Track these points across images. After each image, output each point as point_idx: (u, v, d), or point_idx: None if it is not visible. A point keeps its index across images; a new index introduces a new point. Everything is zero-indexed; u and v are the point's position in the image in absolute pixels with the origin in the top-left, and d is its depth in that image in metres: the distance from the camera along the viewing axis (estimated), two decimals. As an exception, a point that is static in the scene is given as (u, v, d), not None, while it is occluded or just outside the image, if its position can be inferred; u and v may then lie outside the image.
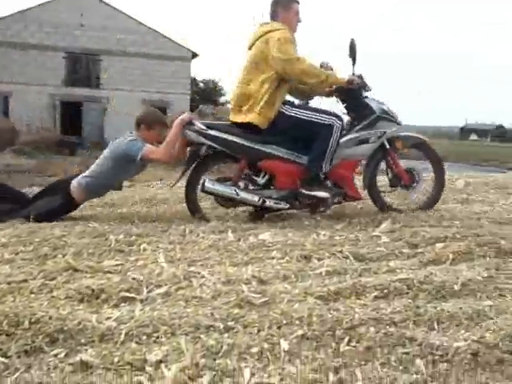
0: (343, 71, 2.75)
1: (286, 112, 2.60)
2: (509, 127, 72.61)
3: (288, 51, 2.44)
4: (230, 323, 1.32)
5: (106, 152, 2.71)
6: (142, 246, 2.07)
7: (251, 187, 2.67)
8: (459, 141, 52.59)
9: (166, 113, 17.18)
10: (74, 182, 2.66)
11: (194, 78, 28.10)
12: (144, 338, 1.23)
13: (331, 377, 1.08)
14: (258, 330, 1.29)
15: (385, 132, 2.72)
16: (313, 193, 2.56)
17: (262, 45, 2.50)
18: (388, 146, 2.77)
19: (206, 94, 30.09)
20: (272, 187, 2.67)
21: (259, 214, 2.75)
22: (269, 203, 2.58)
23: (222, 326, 1.30)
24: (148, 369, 1.08)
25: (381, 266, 1.86)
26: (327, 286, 1.63)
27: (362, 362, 1.16)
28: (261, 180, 2.68)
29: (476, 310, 1.44)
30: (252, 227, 2.45)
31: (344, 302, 1.51)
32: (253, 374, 1.07)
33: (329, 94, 2.83)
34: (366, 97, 2.73)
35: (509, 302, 1.49)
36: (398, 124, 2.79)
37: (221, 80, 33.75)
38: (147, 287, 1.58)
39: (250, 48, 2.67)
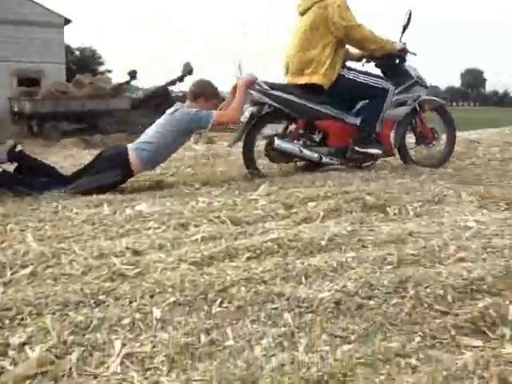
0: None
1: (346, 75, 2.83)
2: None
3: (349, 17, 2.63)
4: (100, 297, 1.32)
5: (166, 124, 2.68)
6: (8, 227, 1.99)
7: (308, 144, 2.93)
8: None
9: (40, 84, 16.02)
10: (133, 155, 2.60)
11: (69, 46, 25.33)
12: (7, 321, 1.20)
13: (203, 338, 1.12)
14: (130, 302, 1.29)
15: (419, 96, 3.06)
16: (368, 150, 2.85)
17: (321, 10, 2.61)
18: (418, 109, 3.12)
19: (82, 63, 27.70)
20: (325, 145, 2.93)
21: (313, 169, 2.99)
22: (324, 159, 2.87)
23: (92, 301, 1.29)
24: (11, 353, 1.06)
25: (256, 229, 1.94)
26: (201, 252, 1.65)
27: (234, 322, 1.21)
28: (316, 138, 2.93)
29: (340, 261, 1.59)
30: (129, 199, 2.42)
31: (217, 266, 1.54)
32: (124, 345, 1.08)
33: (359, 59, 3.13)
34: (405, 63, 3.04)
35: (370, 253, 1.69)
36: (427, 88, 3.20)
37: (99, 48, 30.90)
38: (11, 268, 1.53)
39: (302, 14, 2.80)
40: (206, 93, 2.75)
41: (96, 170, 2.61)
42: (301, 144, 2.91)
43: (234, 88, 2.79)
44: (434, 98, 3.48)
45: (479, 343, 1.19)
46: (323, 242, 1.75)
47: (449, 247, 1.74)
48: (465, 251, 1.70)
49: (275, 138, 2.82)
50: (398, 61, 3.05)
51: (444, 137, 3.45)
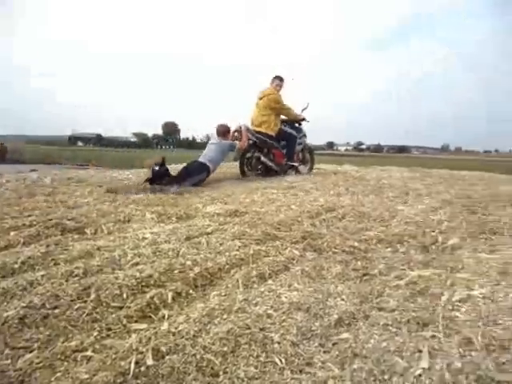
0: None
1: (283, 128, 6.96)
2: (105, 135, 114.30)
3: (282, 103, 6.82)
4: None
5: (215, 149, 6.00)
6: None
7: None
8: (68, 147, 66.73)
9: None
10: (210, 165, 5.78)
11: None
12: None
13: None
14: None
15: (305, 140, 7.62)
16: (293, 163, 7.13)
17: (269, 99, 6.74)
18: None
19: None
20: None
21: (266, 174, 6.80)
22: (276, 168, 6.77)
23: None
24: None
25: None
26: None
27: None
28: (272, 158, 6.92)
29: (30, 280, 1.88)
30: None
31: None
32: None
33: (285, 121, 7.21)
34: (302, 124, 7.45)
35: (60, 269, 2.06)
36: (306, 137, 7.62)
37: None
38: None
39: (260, 99, 6.88)
40: (227, 132, 6.32)
41: (189, 174, 5.50)
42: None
43: (237, 130, 6.51)
44: (308, 142, 7.80)
45: (144, 326, 1.81)
46: (16, 265, 1.97)
47: (127, 255, 2.37)
48: (138, 257, 2.39)
49: (261, 156, 6.77)
50: (300, 123, 7.47)
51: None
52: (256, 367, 1.60)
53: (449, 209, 4.08)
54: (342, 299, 2.16)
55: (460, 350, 1.68)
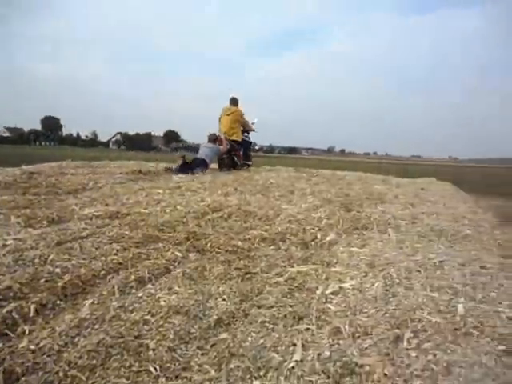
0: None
1: (244, 137, 9.26)
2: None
3: (244, 119, 9.22)
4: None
5: (207, 151, 8.16)
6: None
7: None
8: None
9: None
10: (207, 160, 8.09)
11: None
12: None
13: None
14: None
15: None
16: (247, 162, 9.41)
17: (236, 115, 8.95)
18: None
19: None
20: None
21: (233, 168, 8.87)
22: (239, 164, 9.10)
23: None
24: None
25: None
26: None
27: None
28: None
29: None
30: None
31: None
32: None
33: (244, 131, 9.40)
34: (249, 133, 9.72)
35: None
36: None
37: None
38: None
39: (228, 115, 8.95)
40: (215, 139, 8.46)
41: (195, 164, 7.77)
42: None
43: (218, 137, 8.55)
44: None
45: None
46: None
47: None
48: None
49: (235, 157, 8.93)
50: (249, 132, 9.55)
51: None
52: (128, 378, 1.55)
53: (328, 207, 4.42)
54: (223, 299, 2.20)
55: (330, 339, 1.82)
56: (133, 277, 2.35)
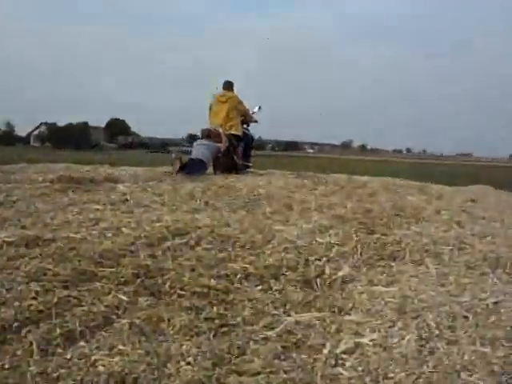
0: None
1: (245, 131, 10.32)
2: None
3: (244, 106, 10.14)
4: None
5: (203, 149, 8.98)
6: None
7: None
8: None
9: None
10: (206, 161, 8.92)
11: None
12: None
13: None
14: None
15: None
16: (249, 164, 10.64)
17: (233, 102, 9.77)
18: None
19: None
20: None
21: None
22: (239, 164, 10.11)
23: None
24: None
25: None
26: None
27: None
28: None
29: None
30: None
31: None
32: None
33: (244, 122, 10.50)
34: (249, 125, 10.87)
35: None
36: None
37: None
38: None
39: (223, 102, 9.78)
40: (209, 134, 9.32)
41: (192, 167, 8.65)
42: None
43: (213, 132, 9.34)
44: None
45: None
46: None
47: None
48: None
49: (234, 156, 9.81)
50: (249, 125, 10.70)
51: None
52: None
53: (342, 228, 4.45)
54: (188, 363, 2.19)
55: (342, 419, 1.83)
56: (58, 330, 2.33)
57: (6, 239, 3.53)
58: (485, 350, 2.23)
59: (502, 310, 2.72)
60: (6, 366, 2.04)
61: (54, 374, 2.00)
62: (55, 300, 2.61)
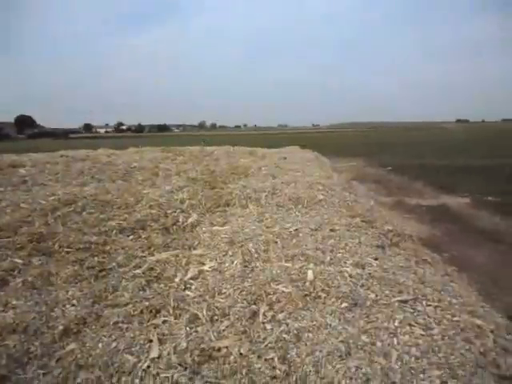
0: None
1: None
2: None
3: None
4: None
5: None
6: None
7: None
8: None
9: None
10: None
11: None
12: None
13: None
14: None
15: None
16: None
17: None
18: None
19: None
20: None
21: None
22: None
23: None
24: None
25: None
26: None
27: None
28: None
29: None
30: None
31: None
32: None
33: None
34: None
35: None
36: None
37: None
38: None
39: None
40: None
41: None
42: None
43: None
44: None
45: None
46: None
47: None
48: None
49: None
50: None
51: None
52: None
53: (192, 186, 4.35)
54: (73, 304, 2.00)
55: (187, 328, 1.77)
56: (-44, 296, 1.99)
57: None
58: (287, 264, 2.30)
59: (300, 235, 2.83)
60: None
61: (-51, 336, 1.71)
62: (-46, 270, 2.23)
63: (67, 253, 2.61)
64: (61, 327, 1.80)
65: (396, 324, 1.74)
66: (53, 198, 3.81)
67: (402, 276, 2.23)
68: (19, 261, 2.44)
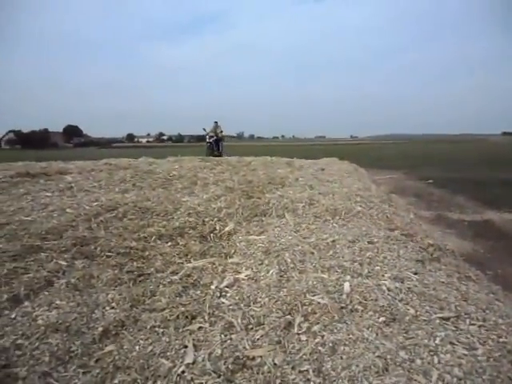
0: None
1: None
2: None
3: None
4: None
5: None
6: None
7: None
8: None
9: None
10: None
11: None
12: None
13: None
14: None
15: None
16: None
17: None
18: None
19: None
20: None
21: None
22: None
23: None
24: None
25: None
26: None
27: None
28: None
29: None
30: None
31: None
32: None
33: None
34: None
35: None
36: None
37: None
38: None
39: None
40: None
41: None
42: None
43: None
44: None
45: None
46: None
47: None
48: None
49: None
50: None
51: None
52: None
53: (229, 195, 4.38)
54: (112, 307, 2.06)
55: (222, 336, 1.78)
56: (5, 296, 2.09)
57: (-35, 226, 3.14)
58: (323, 275, 2.27)
59: (337, 246, 2.79)
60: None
61: (0, 333, 1.79)
62: (4, 271, 2.34)
63: (108, 257, 2.68)
64: (100, 329, 1.86)
65: (437, 342, 1.68)
66: (96, 203, 3.95)
67: (444, 292, 2.14)
68: (63, 263, 2.54)
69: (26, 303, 2.06)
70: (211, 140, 15.27)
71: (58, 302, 2.07)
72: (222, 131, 15.75)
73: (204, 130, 15.72)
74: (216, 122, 15.75)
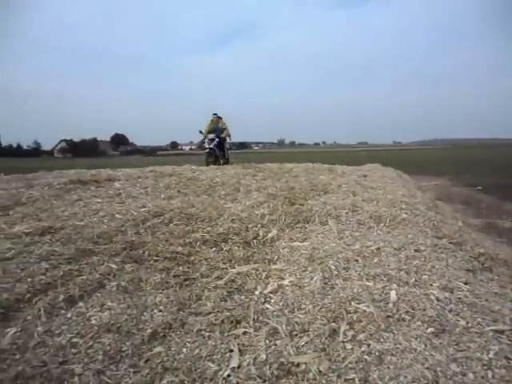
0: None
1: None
2: None
3: (227, 126, 11.55)
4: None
5: None
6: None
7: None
8: None
9: None
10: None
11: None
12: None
13: None
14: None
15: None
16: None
17: (221, 123, 11.35)
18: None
19: None
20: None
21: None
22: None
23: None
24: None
25: None
26: None
27: None
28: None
29: None
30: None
31: None
32: None
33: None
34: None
35: None
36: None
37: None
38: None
39: (215, 124, 11.33)
40: None
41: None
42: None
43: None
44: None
45: None
46: None
47: None
48: None
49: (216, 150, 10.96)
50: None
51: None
52: (49, 411, 1.44)
53: (272, 202, 4.41)
54: (160, 310, 2.12)
55: (267, 341, 1.79)
56: (62, 296, 2.20)
57: (25, 230, 3.32)
58: (368, 283, 2.23)
59: (383, 253, 2.73)
60: (20, 329, 1.91)
61: (57, 331, 1.89)
62: (61, 273, 2.46)
63: (155, 261, 2.77)
64: (149, 330, 1.92)
65: (491, 355, 1.61)
66: (143, 209, 4.08)
67: (497, 303, 2.05)
68: (114, 266, 2.64)
69: (81, 304, 2.17)
70: (211, 145, 10.95)
71: (109, 303, 2.15)
72: (225, 128, 11.37)
73: (200, 132, 11.33)
74: (215, 115, 11.32)
